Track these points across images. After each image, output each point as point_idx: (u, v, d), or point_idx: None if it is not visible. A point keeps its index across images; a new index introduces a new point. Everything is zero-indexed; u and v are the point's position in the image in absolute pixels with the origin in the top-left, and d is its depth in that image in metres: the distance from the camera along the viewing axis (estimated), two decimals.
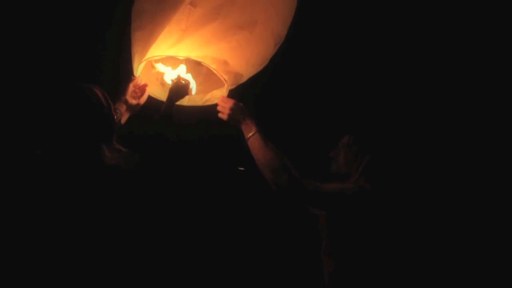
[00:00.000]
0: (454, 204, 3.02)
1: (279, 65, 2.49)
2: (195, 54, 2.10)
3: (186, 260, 3.17)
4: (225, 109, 2.26)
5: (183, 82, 2.20)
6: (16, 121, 2.60)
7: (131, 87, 2.28)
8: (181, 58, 2.14)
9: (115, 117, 2.06)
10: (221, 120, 2.26)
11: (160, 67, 2.30)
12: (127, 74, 2.28)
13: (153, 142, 2.06)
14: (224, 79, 2.21)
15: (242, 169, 2.47)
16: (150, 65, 2.30)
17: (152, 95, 2.35)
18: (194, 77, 2.29)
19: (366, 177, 2.15)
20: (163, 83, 2.36)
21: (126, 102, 2.27)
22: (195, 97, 2.36)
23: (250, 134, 2.19)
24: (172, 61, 2.27)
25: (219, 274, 3.13)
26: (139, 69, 2.20)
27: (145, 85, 2.31)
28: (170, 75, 2.26)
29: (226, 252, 3.18)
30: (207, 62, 2.14)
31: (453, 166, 3.08)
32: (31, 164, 1.89)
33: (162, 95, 2.34)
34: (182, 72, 2.24)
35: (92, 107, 1.92)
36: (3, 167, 1.96)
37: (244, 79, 2.32)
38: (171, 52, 2.09)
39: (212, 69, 2.16)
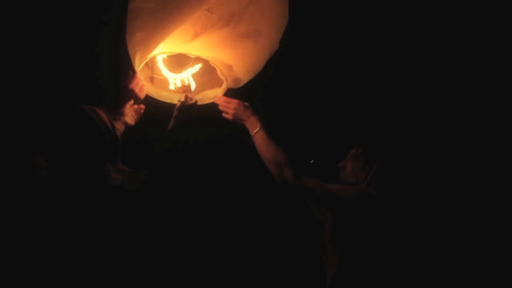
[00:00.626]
0: (460, 215, 3.06)
1: (289, 73, 2.65)
2: (205, 54, 2.22)
3: (191, 261, 3.20)
4: (229, 109, 2.38)
5: (191, 101, 2.29)
6: (22, 143, 2.56)
7: (128, 107, 2.31)
8: (192, 56, 2.24)
9: (119, 137, 2.11)
10: (223, 120, 2.37)
11: (160, 65, 2.38)
12: (126, 98, 2.31)
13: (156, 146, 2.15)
14: (226, 80, 2.34)
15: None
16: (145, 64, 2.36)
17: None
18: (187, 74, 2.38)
19: (373, 185, 2.20)
20: (152, 79, 2.45)
21: (125, 123, 2.29)
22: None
23: (255, 131, 2.31)
24: (171, 61, 2.37)
25: (222, 275, 3.18)
26: (141, 64, 2.26)
27: (141, 107, 2.36)
28: (170, 74, 2.36)
29: (228, 253, 3.23)
30: (216, 65, 2.26)
31: (459, 177, 3.10)
32: (37, 185, 1.94)
33: (151, 90, 2.42)
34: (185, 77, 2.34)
35: (97, 129, 1.97)
36: (11, 187, 2.02)
37: (240, 84, 2.45)
38: (182, 49, 2.19)
39: (218, 70, 2.29)
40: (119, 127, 2.22)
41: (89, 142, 1.96)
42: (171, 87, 2.40)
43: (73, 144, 1.95)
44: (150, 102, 2.43)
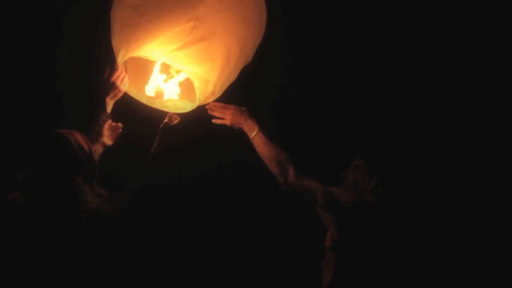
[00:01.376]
0: (462, 227, 3.08)
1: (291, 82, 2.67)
2: (188, 68, 2.15)
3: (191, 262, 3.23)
4: (226, 114, 2.37)
5: (175, 121, 2.29)
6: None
7: (106, 128, 2.28)
8: (174, 68, 2.19)
9: (97, 160, 2.09)
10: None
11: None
12: (107, 91, 2.29)
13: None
14: (199, 96, 2.25)
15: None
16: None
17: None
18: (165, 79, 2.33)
19: (374, 196, 2.23)
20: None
21: (103, 144, 2.26)
22: (154, 98, 2.37)
23: (253, 134, 2.32)
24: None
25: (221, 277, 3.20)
26: (123, 60, 2.17)
27: (118, 126, 2.33)
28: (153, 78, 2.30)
29: (228, 257, 3.25)
30: (194, 79, 2.18)
31: (461, 188, 3.13)
32: (13, 210, 1.91)
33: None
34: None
35: (74, 153, 1.96)
36: None
37: (211, 100, 2.37)
38: (168, 59, 2.11)
39: (195, 85, 2.19)
40: (97, 149, 2.20)
41: (65, 166, 1.94)
42: (148, 91, 2.33)
43: (49, 168, 1.93)
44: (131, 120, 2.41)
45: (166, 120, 2.29)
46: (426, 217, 2.96)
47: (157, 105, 2.37)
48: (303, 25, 3.22)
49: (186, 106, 2.36)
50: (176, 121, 2.29)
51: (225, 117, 2.38)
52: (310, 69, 3.26)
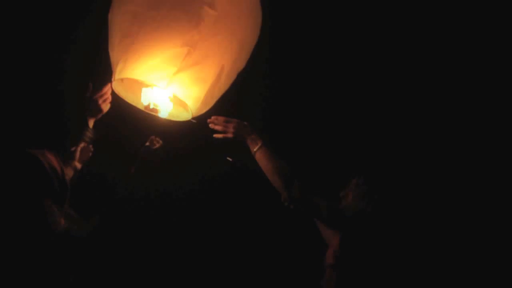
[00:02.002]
0: (465, 245, 3.06)
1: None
2: (181, 92, 2.20)
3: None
4: (228, 128, 2.37)
5: (157, 145, 2.32)
6: None
7: (78, 152, 2.29)
8: (169, 94, 2.23)
9: (68, 182, 2.08)
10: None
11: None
12: (89, 110, 2.31)
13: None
14: (192, 113, 2.33)
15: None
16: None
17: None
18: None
19: (374, 214, 2.23)
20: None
21: (75, 168, 2.27)
22: (139, 101, 2.38)
23: (256, 148, 2.31)
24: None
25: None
26: (119, 77, 2.19)
27: (90, 149, 2.34)
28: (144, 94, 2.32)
29: (225, 272, 3.27)
30: (186, 99, 2.23)
31: (462, 205, 3.11)
32: None
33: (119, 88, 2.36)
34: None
35: (45, 173, 1.95)
36: None
37: (204, 111, 2.41)
38: (162, 83, 2.15)
39: (188, 105, 2.26)
40: (69, 172, 2.18)
41: (36, 186, 1.93)
42: (143, 101, 2.35)
43: (17, 188, 1.92)
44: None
45: (147, 143, 2.31)
46: (428, 238, 2.94)
47: (141, 107, 2.37)
48: (291, 27, 3.19)
49: (181, 115, 2.42)
50: (158, 145, 2.32)
51: (228, 130, 2.37)
52: (302, 75, 3.26)
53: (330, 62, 3.25)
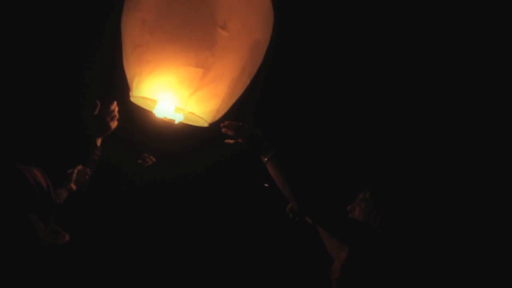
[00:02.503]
0: (473, 261, 3.05)
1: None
2: (197, 109, 2.28)
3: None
4: (241, 134, 2.36)
5: (150, 162, 2.39)
6: None
7: (75, 174, 2.32)
8: (185, 112, 2.30)
9: (57, 200, 2.11)
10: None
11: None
12: (96, 128, 2.34)
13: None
14: (207, 121, 2.41)
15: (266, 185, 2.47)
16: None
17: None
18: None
19: (382, 228, 2.23)
20: None
21: (70, 189, 2.30)
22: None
23: (268, 157, 2.30)
24: None
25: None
26: (135, 95, 2.26)
27: (87, 172, 2.37)
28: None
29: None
30: (205, 116, 2.32)
31: (472, 222, 3.09)
32: None
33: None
34: None
35: (30, 188, 1.95)
36: None
37: (217, 118, 2.48)
38: (178, 104, 2.23)
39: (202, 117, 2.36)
40: (63, 193, 2.22)
41: (20, 200, 1.93)
42: (157, 114, 2.39)
43: (2, 202, 1.91)
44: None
45: (139, 161, 2.36)
46: (436, 253, 2.92)
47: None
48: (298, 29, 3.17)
49: (198, 121, 2.46)
50: (150, 163, 2.37)
51: (240, 137, 2.36)
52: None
53: (338, 69, 3.25)
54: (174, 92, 2.19)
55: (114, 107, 2.40)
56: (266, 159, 2.30)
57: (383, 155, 3.23)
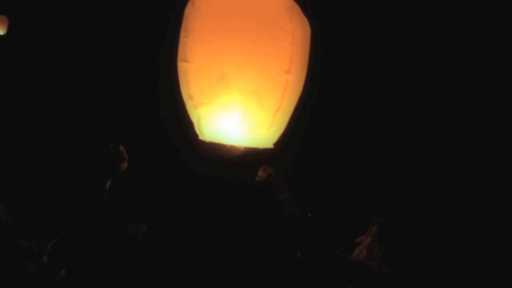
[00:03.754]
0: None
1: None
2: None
3: None
4: (262, 174, 2.48)
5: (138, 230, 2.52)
6: None
7: (49, 247, 2.33)
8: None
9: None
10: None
11: None
12: (106, 172, 2.34)
13: None
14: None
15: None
16: None
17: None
18: None
19: (388, 263, 2.29)
20: None
21: (41, 262, 2.29)
22: None
23: (284, 197, 2.41)
24: None
25: None
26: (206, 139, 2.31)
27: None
28: None
29: None
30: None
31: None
32: None
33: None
34: None
35: None
36: None
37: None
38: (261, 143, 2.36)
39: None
40: (32, 266, 2.23)
41: None
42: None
43: None
44: None
45: (130, 229, 2.48)
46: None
47: None
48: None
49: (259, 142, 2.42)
50: (139, 230, 2.56)
51: (261, 176, 2.46)
52: None
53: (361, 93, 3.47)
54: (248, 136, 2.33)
55: (123, 148, 2.42)
56: (281, 198, 2.42)
57: (396, 191, 3.39)
